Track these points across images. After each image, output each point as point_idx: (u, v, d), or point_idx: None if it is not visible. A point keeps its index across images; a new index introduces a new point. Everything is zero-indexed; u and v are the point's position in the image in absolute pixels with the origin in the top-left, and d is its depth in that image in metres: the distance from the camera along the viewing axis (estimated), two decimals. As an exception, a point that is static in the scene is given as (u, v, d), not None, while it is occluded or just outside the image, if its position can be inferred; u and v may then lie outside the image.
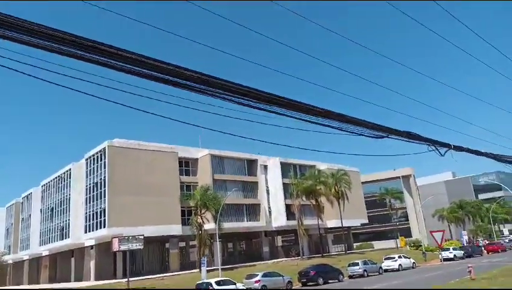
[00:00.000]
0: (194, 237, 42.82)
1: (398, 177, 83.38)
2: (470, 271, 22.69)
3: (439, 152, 9.82)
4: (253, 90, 6.78)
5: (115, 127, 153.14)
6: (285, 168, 57.05)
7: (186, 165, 50.31)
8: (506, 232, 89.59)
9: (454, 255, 46.25)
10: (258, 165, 55.53)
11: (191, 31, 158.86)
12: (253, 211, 52.95)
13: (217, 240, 38.07)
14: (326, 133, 9.08)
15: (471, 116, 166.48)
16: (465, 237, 70.10)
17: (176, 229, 44.23)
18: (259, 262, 47.46)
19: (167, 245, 47.43)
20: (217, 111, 7.66)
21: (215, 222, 38.91)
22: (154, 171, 43.74)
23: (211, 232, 41.53)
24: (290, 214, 54.08)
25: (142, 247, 35.78)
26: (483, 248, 57.79)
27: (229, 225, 47.79)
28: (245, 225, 51.37)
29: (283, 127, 8.68)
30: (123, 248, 35.29)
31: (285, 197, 54.74)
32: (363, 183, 72.36)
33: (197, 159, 50.89)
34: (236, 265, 44.80)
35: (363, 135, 8.24)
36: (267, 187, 56.55)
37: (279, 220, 55.05)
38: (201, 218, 40.75)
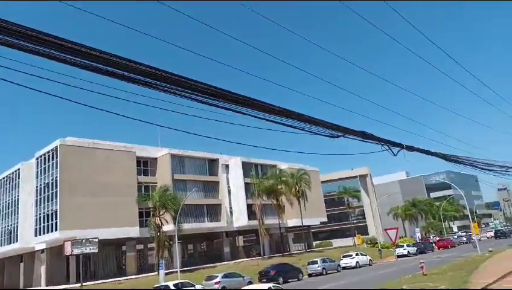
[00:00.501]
0: (153, 239, 41.79)
1: (356, 177, 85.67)
2: (421, 267, 23.59)
3: (392, 152, 10.05)
4: (219, 90, 6.60)
5: (71, 126, 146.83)
6: (246, 167, 56.96)
7: (145, 165, 48.98)
8: (455, 229, 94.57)
9: (408, 251, 48.10)
10: (219, 164, 55.06)
11: (154, 30, 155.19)
12: (214, 211, 52.44)
13: (176, 241, 37.35)
14: (287, 132, 9.02)
15: (423, 118, 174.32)
16: (418, 234, 73.27)
17: (134, 231, 42.93)
18: (220, 263, 47.06)
19: (124, 248, 45.99)
20: (186, 111, 7.47)
21: (175, 223, 38.15)
22: (110, 171, 42.21)
23: (170, 233, 40.65)
24: (251, 214, 54.04)
25: (96, 250, 34.52)
26: (434, 244, 60.55)
27: (190, 226, 47.09)
28: (206, 225, 50.77)
29: (250, 127, 8.51)
30: (76, 251, 33.91)
31: (247, 197, 54.65)
32: (322, 182, 73.68)
33: (156, 158, 49.67)
34: (197, 267, 44.18)
35: (320, 134, 8.25)
36: (229, 187, 56.21)
37: (240, 220, 54.89)
38: (160, 219, 39.79)
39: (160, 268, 33.27)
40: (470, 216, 53.91)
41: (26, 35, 4.66)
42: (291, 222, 59.81)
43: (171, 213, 39.87)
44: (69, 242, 33.91)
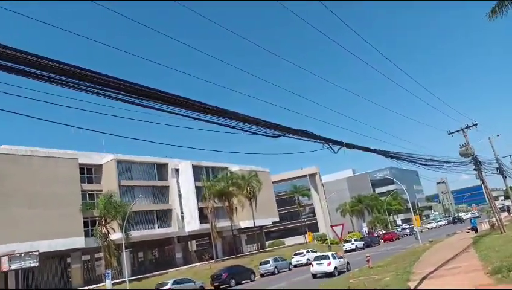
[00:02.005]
0: (100, 249, 40.01)
1: (306, 176, 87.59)
2: (367, 260, 24.52)
3: (333, 149, 10.30)
4: (152, 90, 6.36)
5: (6, 134, 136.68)
6: (197, 171, 56.24)
7: (89, 172, 46.79)
8: (399, 222, 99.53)
9: (356, 246, 49.90)
10: (169, 169, 53.92)
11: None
12: (164, 216, 51.24)
13: (124, 250, 36.06)
14: (231, 134, 8.94)
15: (362, 115, 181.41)
16: (365, 229, 76.31)
17: (79, 241, 40.77)
18: (172, 269, 45.99)
19: (69, 260, 43.60)
20: (119, 114, 7.17)
21: (122, 231, 36.79)
22: (51, 180, 39.83)
23: (118, 242, 39.07)
24: (203, 217, 53.41)
25: (37, 264, 32.44)
26: (380, 238, 63.32)
27: (139, 233, 45.64)
28: (156, 232, 49.46)
29: (190, 129, 8.29)
30: (14, 266, 31.68)
31: (198, 201, 53.96)
32: (273, 182, 74.56)
33: (101, 165, 47.62)
34: (148, 274, 42.87)
35: (261, 134, 8.25)
36: (179, 191, 55.21)
37: (192, 224, 54.08)
38: (106, 228, 38.22)
39: (106, 278, 31.96)
40: (411, 209, 56.95)
41: None
42: (244, 223, 59.87)
43: (118, 221, 38.42)
44: (6, 257, 31.55)
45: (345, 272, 26.38)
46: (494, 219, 38.52)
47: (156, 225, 49.87)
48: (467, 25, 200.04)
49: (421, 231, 59.89)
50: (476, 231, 39.99)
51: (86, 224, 42.29)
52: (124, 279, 36.78)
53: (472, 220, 44.63)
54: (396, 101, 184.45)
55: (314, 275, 26.93)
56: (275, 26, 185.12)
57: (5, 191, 36.70)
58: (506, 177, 44.65)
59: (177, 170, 55.68)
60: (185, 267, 47.85)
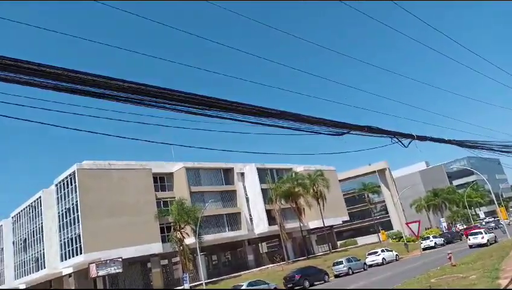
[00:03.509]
0: (176, 254, 41.90)
1: (374, 172, 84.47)
2: (449, 258, 22.95)
3: (402, 144, 9.76)
4: (207, 98, 6.52)
5: (80, 152, 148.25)
6: (262, 173, 56.77)
7: (162, 181, 49.29)
8: (482, 215, 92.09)
9: (435, 243, 46.99)
10: (234, 173, 55.09)
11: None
12: (234, 220, 52.37)
13: (198, 253, 37.33)
14: (292, 135, 8.88)
15: (434, 106, 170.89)
16: (444, 224, 71.66)
17: (156, 247, 43.11)
18: (245, 271, 46.84)
19: (149, 265, 46.23)
20: (184, 125, 7.46)
21: (196, 236, 38.19)
22: (128, 190, 42.59)
23: (192, 246, 40.69)
24: (271, 219, 53.75)
25: (121, 270, 34.74)
26: (461, 233, 59.08)
27: (211, 237, 47.10)
28: (227, 235, 50.71)
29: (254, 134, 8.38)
30: (101, 273, 34.19)
31: (265, 203, 54.42)
32: (340, 181, 72.93)
33: (171, 173, 49.97)
34: (222, 277, 44.06)
35: (323, 133, 8.06)
36: (246, 194, 56.12)
37: (260, 226, 54.67)
38: (181, 233, 39.92)
39: (184, 281, 33.26)
40: (495, 201, 52.46)
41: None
42: (313, 224, 59.24)
43: (191, 226, 39.95)
44: (94, 264, 34.24)
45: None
46: None
47: (227, 228, 51.09)
48: None
49: (509, 224, 54.96)
50: None
51: (162, 230, 44.58)
52: (200, 282, 38.13)
53: None
54: (467, 85, 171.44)
55: (471, 246, 36.61)
56: (322, 17, 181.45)
57: (89, 203, 39.92)
58: None
59: (242, 174, 56.66)
60: (257, 269, 48.43)
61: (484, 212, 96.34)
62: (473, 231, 41.96)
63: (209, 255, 53.96)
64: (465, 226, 71.37)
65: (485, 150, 16.24)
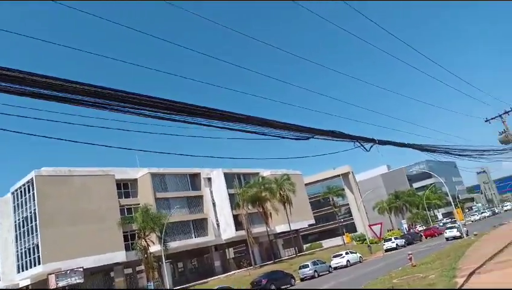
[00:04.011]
0: (141, 262, 40.92)
1: (339, 176, 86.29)
2: (410, 258, 23.74)
3: (364, 148, 10.07)
4: (177, 103, 6.50)
5: (37, 158, 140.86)
6: (229, 178, 56.65)
7: (125, 187, 48.10)
8: (440, 217, 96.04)
9: (397, 244, 48.43)
10: (201, 178, 54.66)
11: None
12: (200, 226, 51.85)
13: (164, 261, 36.65)
14: (260, 140, 8.93)
15: (392, 110, 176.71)
16: (405, 226, 74.09)
17: (120, 256, 41.93)
18: (211, 278, 46.43)
19: (112, 274, 44.84)
20: (150, 129, 7.39)
21: (161, 243, 37.48)
22: (90, 198, 41.25)
23: (158, 254, 39.88)
24: (238, 224, 53.66)
25: (82, 280, 33.53)
26: (421, 234, 61.28)
27: (177, 244, 46.41)
28: (193, 241, 50.12)
29: (219, 139, 8.38)
30: (61, 284, 32.84)
31: (232, 208, 54.29)
32: (306, 185, 73.97)
33: (136, 179, 48.88)
34: (188, 284, 43.47)
35: (288, 138, 8.19)
36: (213, 200, 55.79)
37: (228, 231, 54.44)
38: (146, 241, 39.06)
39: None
40: (452, 202, 54.87)
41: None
42: (280, 228, 59.65)
43: (156, 233, 39.19)
44: (53, 275, 32.81)
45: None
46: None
47: (193, 235, 50.53)
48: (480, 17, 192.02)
49: (465, 225, 57.58)
50: None
51: (125, 238, 43.43)
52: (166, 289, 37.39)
53: None
54: (427, 92, 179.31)
55: (447, 239, 43.44)
56: (291, 23, 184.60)
57: (48, 211, 38.32)
58: (552, 162, 42.27)
59: (209, 179, 56.31)
60: (224, 275, 48.16)
61: (442, 214, 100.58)
62: (449, 225, 50.91)
63: (175, 262, 53.01)
64: (424, 228, 74.11)
65: (443, 153, 17.05)
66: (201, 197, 53.57)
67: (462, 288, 13.62)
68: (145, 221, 38.51)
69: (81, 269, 34.18)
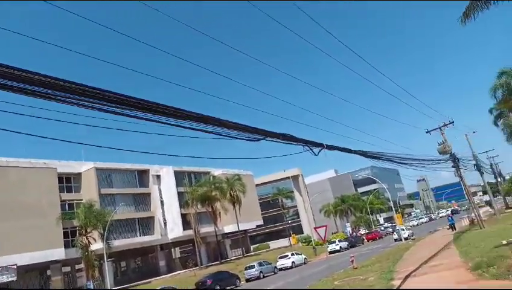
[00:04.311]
0: (81, 260, 39.08)
1: (288, 178, 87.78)
2: (352, 261, 24.60)
3: (313, 152, 10.27)
4: (128, 98, 6.23)
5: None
6: (179, 176, 55.69)
7: (68, 182, 45.76)
8: (382, 221, 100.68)
9: (340, 246, 50.11)
10: (150, 175, 53.27)
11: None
12: (146, 224, 50.51)
13: (106, 260, 35.27)
14: (215, 139, 8.78)
15: (342, 117, 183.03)
16: (349, 229, 76.88)
17: (58, 253, 39.73)
18: (155, 278, 45.34)
19: (49, 272, 42.46)
20: (99, 123, 7.01)
21: (103, 241, 36.05)
22: (29, 191, 38.73)
23: (100, 252, 38.26)
24: (186, 223, 52.88)
25: (15, 278, 31.44)
26: (364, 237, 63.88)
27: (121, 242, 44.88)
28: (138, 240, 48.71)
29: (174, 136, 8.12)
30: (-10, 282, 30.51)
31: (181, 207, 53.41)
32: (257, 185, 74.48)
33: (80, 173, 46.66)
34: (131, 284, 42.16)
35: (240, 138, 8.15)
36: (161, 198, 54.56)
37: (175, 231, 53.47)
38: (87, 238, 37.36)
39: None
40: (393, 208, 57.65)
41: None
42: (228, 228, 59.56)
43: (99, 230, 37.63)
44: (-18, 273, 30.45)
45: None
46: (473, 214, 39.25)
47: (138, 233, 49.15)
48: (441, 28, 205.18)
49: (403, 229, 60.58)
50: (454, 228, 40.35)
51: (66, 235, 41.29)
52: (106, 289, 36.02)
53: (449, 218, 45.15)
54: (375, 101, 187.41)
55: (395, 240, 46.50)
56: (245, 28, 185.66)
57: (-21, 204, 35.50)
58: (483, 173, 45.80)
59: (158, 176, 55.04)
60: (169, 275, 47.23)
61: (384, 218, 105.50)
62: (397, 228, 54.27)
63: (118, 261, 51.24)
64: (367, 231, 77.27)
65: (386, 160, 17.83)
66: (148, 194, 52.23)
67: (399, 289, 14.31)
68: (87, 217, 36.82)
69: (15, 267, 32.04)
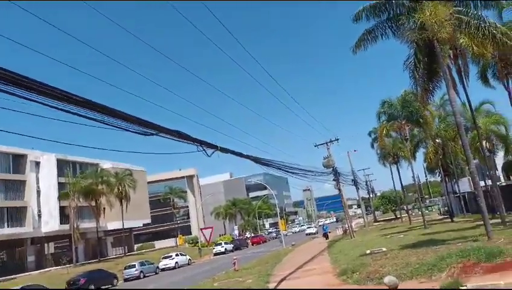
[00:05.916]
0: None
1: (183, 177, 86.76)
2: (234, 263, 25.23)
3: (207, 153, 10.36)
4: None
5: None
6: (63, 166, 51.13)
7: None
8: (267, 226, 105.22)
9: (225, 248, 51.05)
10: (27, 161, 47.93)
11: None
12: (16, 215, 45.28)
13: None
14: (83, 125, 8.29)
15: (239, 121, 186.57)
16: (236, 232, 78.86)
17: None
18: (21, 274, 40.74)
19: None
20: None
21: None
22: None
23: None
24: (64, 217, 48.72)
25: None
26: (248, 241, 66.00)
27: (-19, 233, 39.47)
28: (5, 231, 43.40)
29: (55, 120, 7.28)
30: None
31: (61, 199, 48.96)
32: (149, 183, 72.03)
33: None
34: (-11, 281, 37.19)
35: (131, 131, 7.84)
36: (38, 187, 49.42)
37: (50, 224, 48.85)
38: None
39: None
40: (278, 214, 60.77)
41: None
42: (112, 225, 56.38)
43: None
44: None
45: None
46: (346, 225, 43.27)
47: (6, 224, 43.81)
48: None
49: (286, 235, 64.21)
50: (327, 237, 43.62)
51: None
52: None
53: (324, 227, 48.87)
54: (272, 111, 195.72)
55: (307, 234, 57.83)
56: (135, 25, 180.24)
57: None
58: (359, 188, 51.12)
59: (37, 163, 49.84)
60: (38, 271, 42.90)
61: (270, 223, 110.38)
62: (308, 226, 65.99)
63: (-23, 254, 45.00)
64: (252, 235, 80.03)
65: (275, 168, 18.75)
66: (23, 182, 46.97)
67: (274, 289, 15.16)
68: None
69: None
